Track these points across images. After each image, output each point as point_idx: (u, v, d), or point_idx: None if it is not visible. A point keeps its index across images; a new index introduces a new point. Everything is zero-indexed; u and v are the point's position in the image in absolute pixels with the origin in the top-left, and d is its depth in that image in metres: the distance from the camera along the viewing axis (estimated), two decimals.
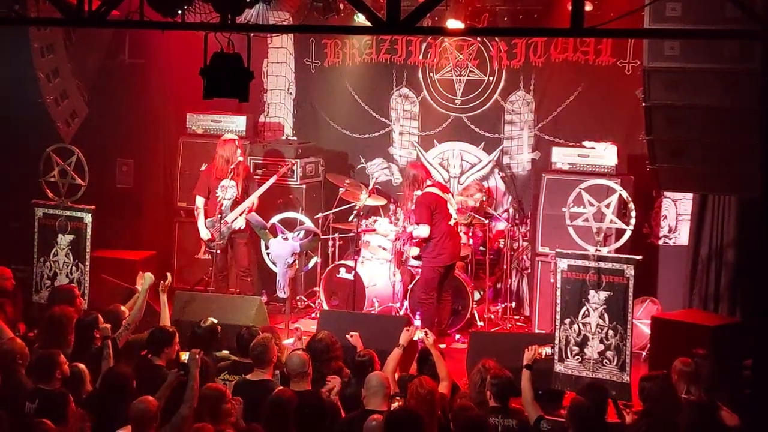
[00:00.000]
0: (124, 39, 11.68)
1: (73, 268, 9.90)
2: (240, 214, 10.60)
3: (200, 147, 11.81)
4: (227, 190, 10.70)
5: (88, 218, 9.82)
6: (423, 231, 10.24)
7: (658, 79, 7.71)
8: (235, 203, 10.69)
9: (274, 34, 12.45)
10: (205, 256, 10.94)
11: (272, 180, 10.90)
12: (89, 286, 9.80)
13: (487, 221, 11.22)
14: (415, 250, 10.79)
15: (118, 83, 11.45)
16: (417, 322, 10.47)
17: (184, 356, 7.25)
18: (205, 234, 10.73)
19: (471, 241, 11.21)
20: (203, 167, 11.10)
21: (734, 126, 7.66)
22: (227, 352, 8.20)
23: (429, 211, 10.19)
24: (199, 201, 10.82)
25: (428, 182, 10.45)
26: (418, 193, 10.36)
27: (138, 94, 11.65)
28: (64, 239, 9.88)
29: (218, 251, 10.65)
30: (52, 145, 10.03)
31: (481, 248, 11.30)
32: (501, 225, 11.51)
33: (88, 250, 9.84)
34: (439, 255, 10.30)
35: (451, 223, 10.37)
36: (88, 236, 9.83)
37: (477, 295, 11.26)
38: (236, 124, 11.94)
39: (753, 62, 7.22)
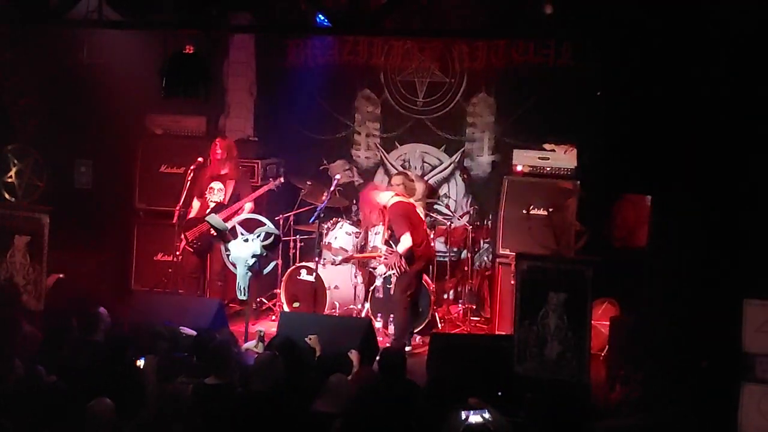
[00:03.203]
0: (83, 38, 11.57)
1: (30, 269, 9.80)
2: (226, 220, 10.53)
3: (160, 147, 11.73)
4: (214, 191, 10.70)
5: (45, 219, 9.72)
6: (406, 241, 9.91)
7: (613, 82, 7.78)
8: (218, 206, 10.65)
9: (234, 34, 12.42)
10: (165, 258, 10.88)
11: (265, 188, 10.86)
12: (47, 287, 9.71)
13: (448, 223, 11.25)
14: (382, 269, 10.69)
15: (77, 83, 11.34)
16: (378, 324, 10.49)
17: (140, 362, 7.21)
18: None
19: (434, 243, 11.21)
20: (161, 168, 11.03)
21: (693, 130, 7.74)
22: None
23: (406, 220, 10.06)
24: (194, 203, 10.85)
25: (391, 194, 10.32)
26: (393, 200, 10.16)
27: (97, 94, 11.54)
28: (21, 240, 9.78)
29: (179, 253, 10.60)
30: (9, 146, 9.94)
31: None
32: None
33: (45, 251, 9.75)
34: (419, 259, 10.10)
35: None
36: (46, 237, 9.73)
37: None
38: (196, 124, 11.86)
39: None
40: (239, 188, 10.82)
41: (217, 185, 10.79)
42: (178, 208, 10.70)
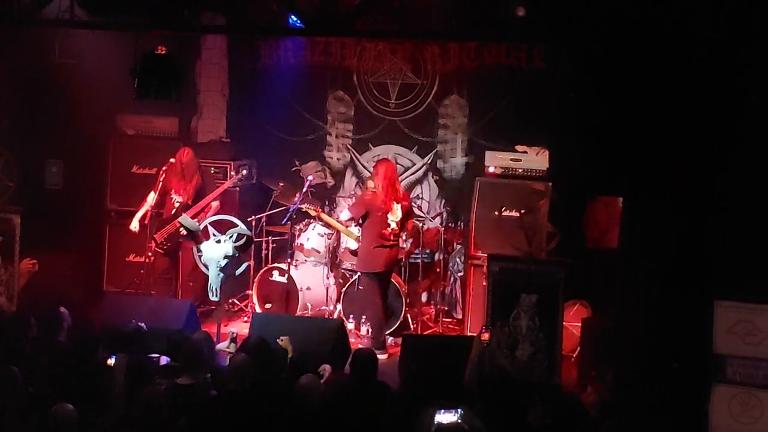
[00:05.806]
0: (54, 38, 11.50)
1: (2, 270, 9.74)
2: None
3: (131, 148, 11.68)
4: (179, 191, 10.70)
5: (16, 220, 9.67)
6: (344, 214, 10.64)
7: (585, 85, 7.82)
8: (183, 207, 10.62)
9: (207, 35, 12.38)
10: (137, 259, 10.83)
11: (226, 185, 10.82)
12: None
13: (420, 224, 11.26)
14: (353, 244, 10.74)
15: (48, 83, 11.26)
16: (350, 325, 10.49)
17: (110, 360, 7.17)
18: (134, 225, 10.65)
19: (406, 245, 11.21)
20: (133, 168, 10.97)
21: (664, 132, 7.79)
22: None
23: (363, 210, 10.06)
24: (150, 197, 10.72)
25: (371, 183, 10.25)
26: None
27: (68, 95, 11.47)
28: None
29: (151, 254, 10.56)
30: None
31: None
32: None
33: (16, 252, 9.69)
34: (372, 262, 10.09)
35: (388, 230, 10.14)
36: (17, 238, 9.67)
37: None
38: (168, 125, 11.81)
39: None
40: (204, 187, 10.78)
41: (181, 185, 10.73)
42: (150, 208, 10.65)
